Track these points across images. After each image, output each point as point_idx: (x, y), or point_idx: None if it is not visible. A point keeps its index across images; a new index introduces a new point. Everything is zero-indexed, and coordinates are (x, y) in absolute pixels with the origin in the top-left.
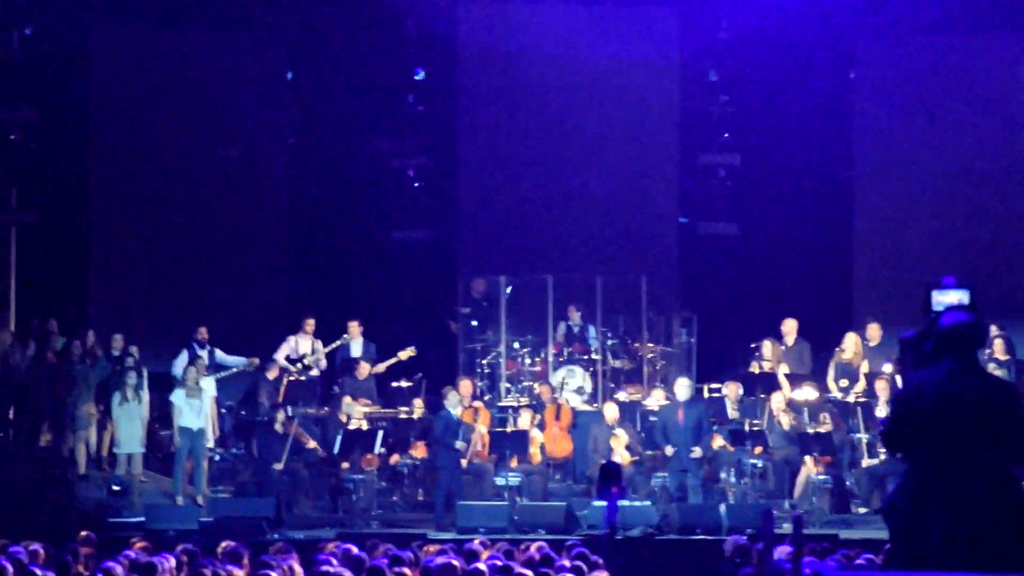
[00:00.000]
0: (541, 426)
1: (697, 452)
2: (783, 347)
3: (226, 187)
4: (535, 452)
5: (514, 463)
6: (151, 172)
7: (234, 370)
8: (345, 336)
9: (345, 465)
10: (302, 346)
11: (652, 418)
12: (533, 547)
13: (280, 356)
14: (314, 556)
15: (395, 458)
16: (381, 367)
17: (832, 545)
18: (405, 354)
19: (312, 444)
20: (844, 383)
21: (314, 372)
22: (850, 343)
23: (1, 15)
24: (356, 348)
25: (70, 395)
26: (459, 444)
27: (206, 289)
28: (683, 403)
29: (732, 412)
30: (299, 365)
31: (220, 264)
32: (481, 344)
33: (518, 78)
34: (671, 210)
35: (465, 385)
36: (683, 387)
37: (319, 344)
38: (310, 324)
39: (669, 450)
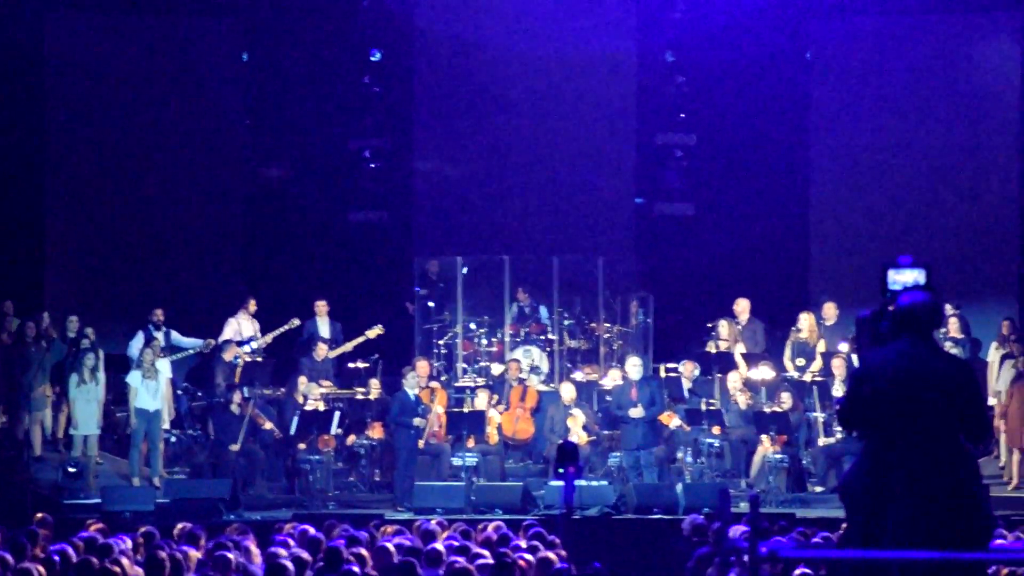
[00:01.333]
0: (505, 405)
1: (673, 420)
2: (739, 326)
3: (181, 168)
4: (492, 432)
5: (471, 443)
6: (106, 154)
7: (190, 352)
8: (294, 320)
9: (302, 446)
10: (245, 327)
11: (609, 399)
12: (490, 527)
13: (227, 336)
14: (271, 537)
15: (352, 439)
16: (348, 346)
17: (789, 524)
18: (373, 332)
19: (268, 425)
20: (800, 362)
21: (257, 353)
22: (805, 323)
23: None
24: (323, 327)
25: (25, 376)
26: (418, 420)
27: (162, 271)
28: (636, 382)
29: (688, 391)
30: (249, 347)
31: (176, 246)
32: (438, 325)
33: (474, 59)
34: (627, 191)
35: (422, 366)
36: (634, 367)
37: (257, 326)
38: (252, 305)
39: (636, 412)
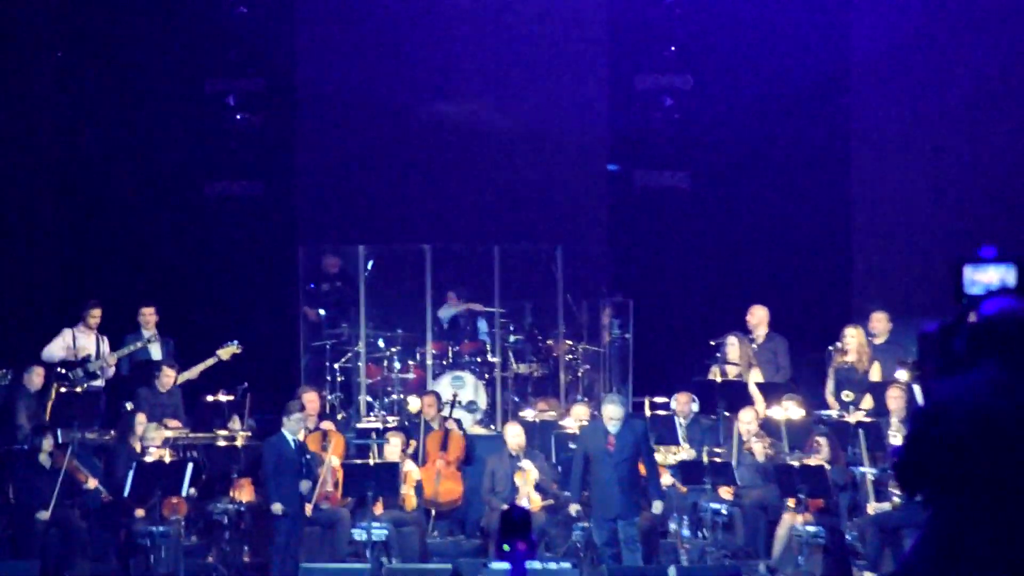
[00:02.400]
0: (419, 458)
1: (658, 507)
2: (754, 345)
3: None
4: (409, 493)
5: (379, 509)
6: None
7: None
8: (143, 335)
9: (140, 513)
10: (83, 344)
11: (573, 446)
12: None
13: (54, 352)
14: None
15: (215, 502)
16: (193, 372)
17: None
18: (226, 352)
19: (92, 483)
20: (848, 395)
21: (98, 382)
22: (853, 340)
23: None
24: (153, 346)
25: None
26: (303, 484)
27: None
28: (615, 433)
29: (684, 437)
30: (78, 371)
31: None
32: (332, 341)
33: None
34: (597, 154)
35: (310, 399)
36: (613, 410)
37: (106, 343)
38: (95, 315)
39: (573, 511)
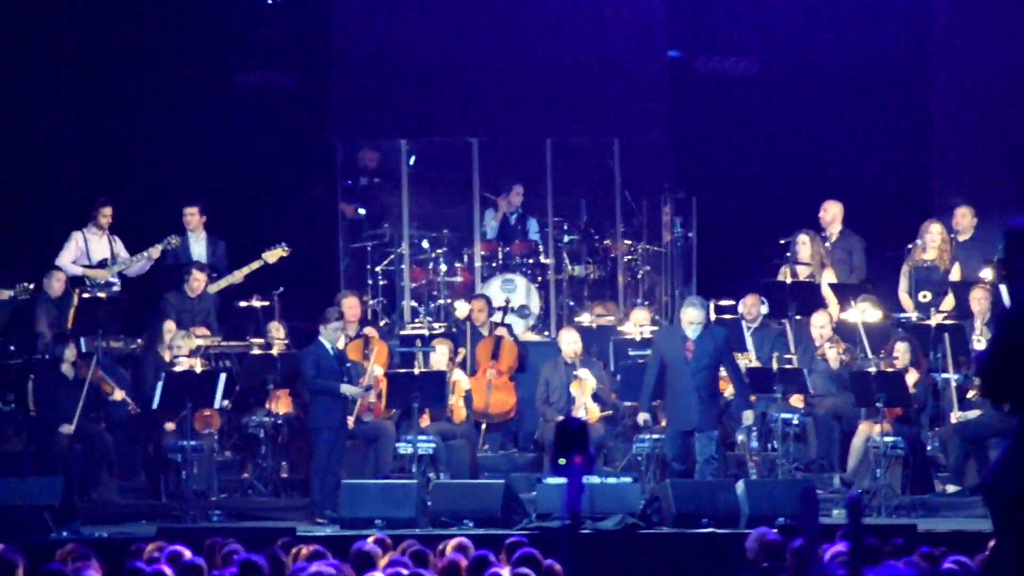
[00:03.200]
0: (467, 367)
1: (748, 417)
2: (827, 243)
3: None
4: (457, 405)
5: (425, 421)
6: None
7: None
8: (170, 239)
9: (170, 426)
10: (95, 248)
11: (634, 352)
12: (454, 546)
13: (65, 261)
14: (125, 564)
15: (250, 415)
16: (237, 276)
17: (907, 541)
18: (272, 255)
19: (119, 395)
20: (925, 296)
21: (116, 287)
22: (932, 236)
23: None
24: (198, 247)
25: None
26: (346, 388)
27: None
28: (694, 338)
29: (752, 342)
30: (96, 274)
31: None
32: (373, 243)
33: None
34: (655, 38)
35: (350, 305)
36: (693, 314)
37: (119, 244)
38: (105, 214)
39: (642, 420)
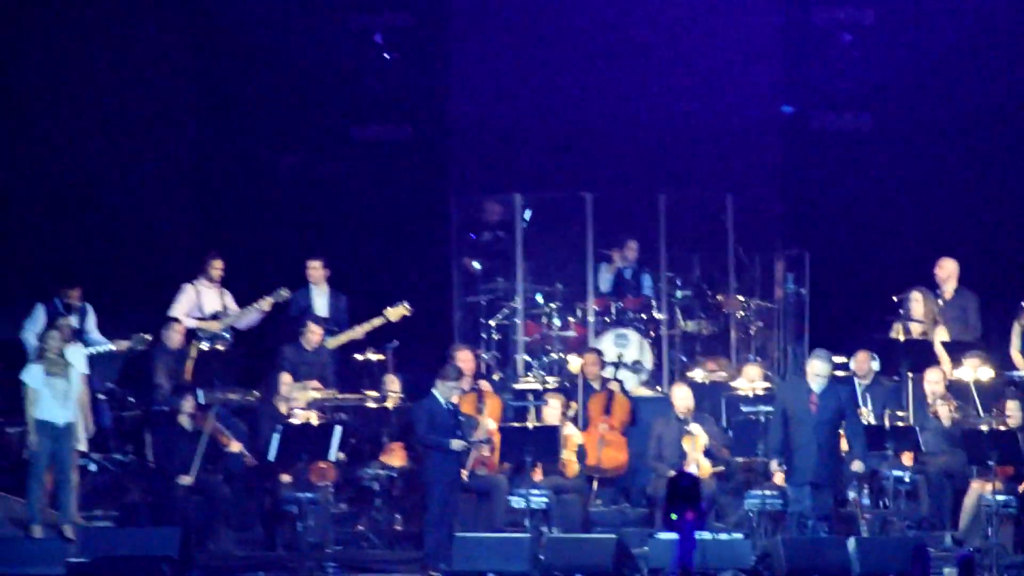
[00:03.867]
0: (580, 421)
1: (858, 466)
2: (941, 301)
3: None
4: (570, 459)
5: (538, 475)
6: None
7: (112, 348)
8: (280, 292)
9: (286, 478)
10: (207, 300)
11: (746, 408)
12: None
13: (179, 312)
14: None
15: (365, 467)
16: (358, 332)
17: None
18: (395, 313)
19: (236, 447)
20: None
21: (228, 339)
22: None
23: None
24: (319, 301)
25: None
26: (455, 444)
27: (74, 219)
28: (819, 392)
29: (865, 399)
30: (209, 326)
31: (94, 181)
32: (488, 297)
33: None
34: (770, 95)
35: (464, 358)
36: (819, 367)
37: (228, 297)
38: (216, 267)
39: (775, 470)
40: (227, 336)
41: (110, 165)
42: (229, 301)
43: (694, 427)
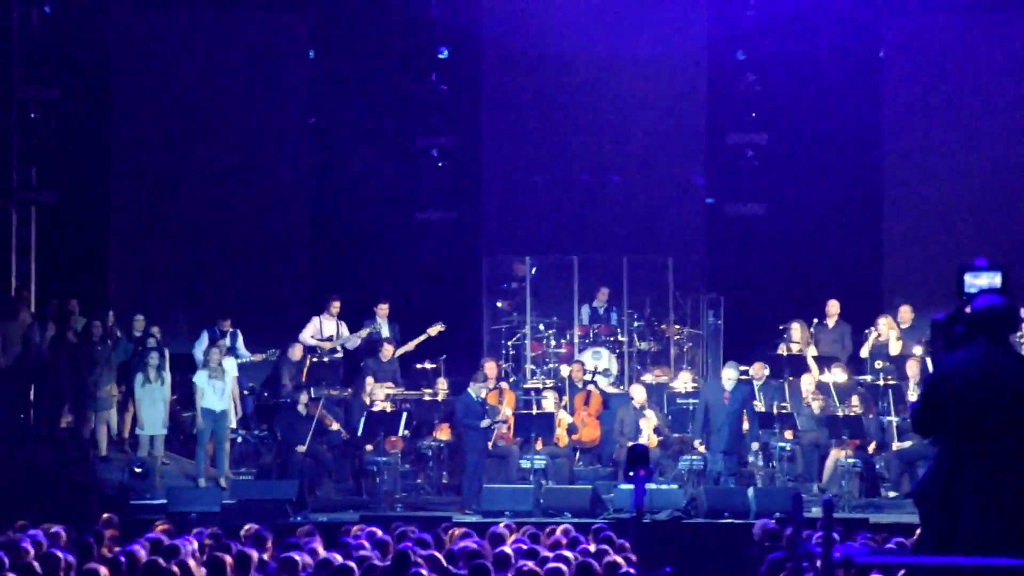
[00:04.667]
0: (568, 409)
1: (755, 445)
2: (811, 330)
3: (247, 166)
4: (561, 435)
5: (539, 446)
6: (171, 151)
7: (254, 359)
8: (372, 325)
9: (369, 448)
10: (327, 327)
11: (680, 401)
12: (559, 530)
13: (306, 336)
14: (338, 539)
15: (423, 440)
16: (411, 345)
17: (864, 531)
18: (434, 330)
19: (335, 426)
20: (881, 364)
21: (338, 354)
22: (884, 326)
23: None
24: (386, 328)
25: (91, 376)
26: (484, 423)
27: (227, 269)
28: (730, 391)
29: (758, 394)
30: (325, 345)
31: (241, 244)
32: (506, 325)
33: (543, 57)
34: (698, 191)
35: (490, 367)
36: (731, 373)
37: (343, 326)
38: (335, 305)
39: (698, 444)
40: (339, 352)
41: (259, 229)
42: (344, 330)
43: (648, 412)
